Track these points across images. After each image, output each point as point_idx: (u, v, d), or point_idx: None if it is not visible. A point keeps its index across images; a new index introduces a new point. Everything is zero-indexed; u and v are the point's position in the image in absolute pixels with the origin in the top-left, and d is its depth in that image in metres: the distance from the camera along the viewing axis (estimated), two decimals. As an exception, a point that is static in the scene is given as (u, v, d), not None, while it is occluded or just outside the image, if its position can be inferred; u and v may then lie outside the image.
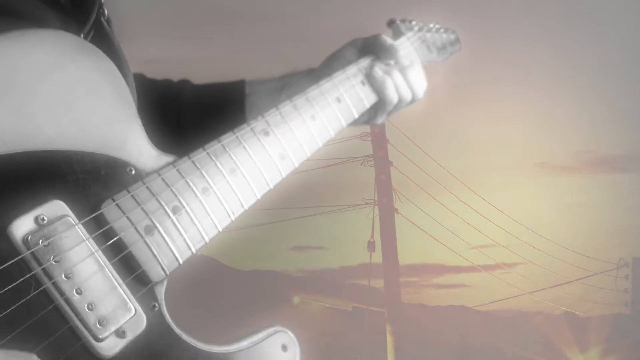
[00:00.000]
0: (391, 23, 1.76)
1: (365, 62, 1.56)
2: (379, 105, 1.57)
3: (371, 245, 15.90)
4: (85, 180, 1.01)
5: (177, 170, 1.12)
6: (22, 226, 0.93)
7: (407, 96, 1.59)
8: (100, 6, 1.24)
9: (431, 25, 1.82)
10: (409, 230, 15.92)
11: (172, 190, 1.10)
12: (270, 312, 14.25)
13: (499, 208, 16.32)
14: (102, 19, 1.23)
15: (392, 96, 1.56)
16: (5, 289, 0.89)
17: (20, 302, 0.90)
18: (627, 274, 17.45)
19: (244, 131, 1.24)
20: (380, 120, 1.60)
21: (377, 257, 15.96)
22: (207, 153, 1.17)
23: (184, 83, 1.56)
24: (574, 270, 17.01)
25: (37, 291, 0.93)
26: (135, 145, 1.09)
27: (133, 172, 1.08)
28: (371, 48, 1.59)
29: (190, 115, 1.46)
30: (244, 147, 1.22)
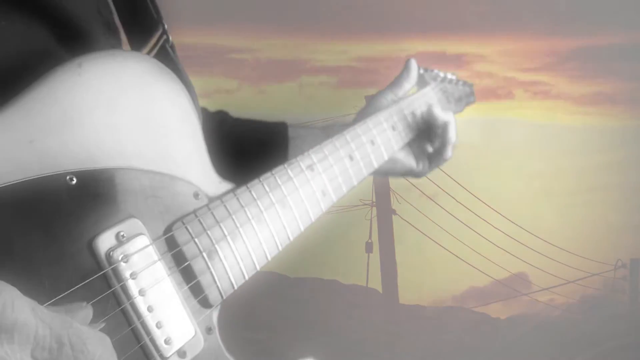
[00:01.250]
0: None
1: (398, 106, 1.67)
2: (435, 151, 1.72)
3: (369, 247, 15.91)
4: (157, 200, 1.05)
5: (237, 199, 1.17)
6: (105, 241, 0.96)
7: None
8: (165, 32, 1.25)
9: (450, 77, 1.92)
10: (406, 231, 15.94)
11: (232, 218, 1.15)
12: (270, 313, 14.25)
13: (496, 209, 16.34)
14: (167, 45, 1.25)
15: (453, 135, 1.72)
16: (90, 302, 0.91)
17: (103, 321, 0.93)
18: (624, 275, 17.47)
19: (293, 165, 1.30)
20: (430, 167, 1.75)
21: (375, 258, 15.98)
22: (263, 185, 1.22)
23: (223, 114, 1.60)
24: (571, 271, 17.03)
25: (117, 310, 0.96)
26: (202, 170, 1.14)
27: (199, 196, 1.12)
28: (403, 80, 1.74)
29: (231, 150, 1.47)
30: (293, 181, 1.28)
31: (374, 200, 15.76)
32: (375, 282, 16.43)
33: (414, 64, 1.74)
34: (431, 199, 15.71)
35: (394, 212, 15.74)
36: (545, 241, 16.74)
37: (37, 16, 1.05)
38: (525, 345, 14.10)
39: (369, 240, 15.92)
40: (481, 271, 16.44)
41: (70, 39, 1.09)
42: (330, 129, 1.57)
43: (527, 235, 16.50)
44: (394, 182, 15.43)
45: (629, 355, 13.22)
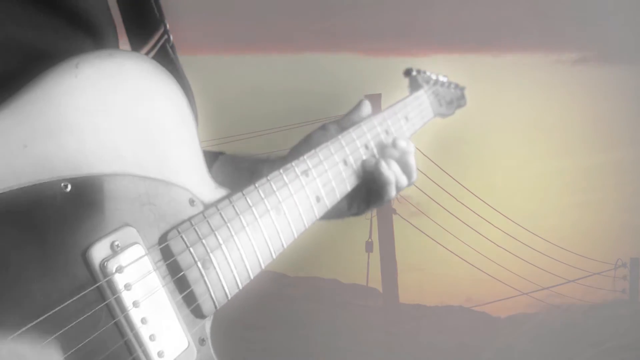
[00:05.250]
0: (408, 73, 1.82)
1: (392, 109, 1.63)
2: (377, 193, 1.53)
3: (369, 246, 15.89)
4: (152, 208, 1.02)
5: (233, 206, 1.15)
6: (100, 251, 0.93)
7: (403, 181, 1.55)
8: (166, 32, 1.23)
9: (442, 79, 1.89)
10: (406, 230, 15.92)
11: (228, 226, 1.12)
12: (269, 312, 14.24)
13: (496, 209, 16.33)
14: (167, 45, 1.22)
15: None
16: (83, 317, 0.90)
17: (96, 334, 0.91)
18: (625, 275, 17.46)
19: (289, 171, 1.28)
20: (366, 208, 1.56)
21: (375, 258, 15.96)
22: (258, 191, 1.20)
23: (221, 154, 1.51)
24: (572, 270, 17.02)
25: (111, 323, 0.94)
26: (197, 175, 1.11)
27: (194, 202, 1.09)
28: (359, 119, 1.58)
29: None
30: (288, 187, 1.26)
31: (374, 199, 15.71)
32: (375, 282, 16.42)
33: (367, 106, 1.61)
34: (431, 199, 15.69)
35: (394, 211, 15.71)
36: (546, 240, 16.73)
37: (50, 12, 1.02)
38: (525, 345, 14.09)
39: (369, 240, 15.89)
40: (481, 270, 16.42)
41: (81, 37, 1.06)
42: (261, 165, 1.45)
43: (527, 235, 16.49)
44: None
45: (629, 355, 13.19)
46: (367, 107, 1.60)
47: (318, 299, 15.82)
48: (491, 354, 13.95)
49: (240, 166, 1.45)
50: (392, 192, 1.51)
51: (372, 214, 15.77)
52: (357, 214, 1.56)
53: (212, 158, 1.47)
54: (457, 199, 15.66)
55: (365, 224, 15.72)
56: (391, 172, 1.50)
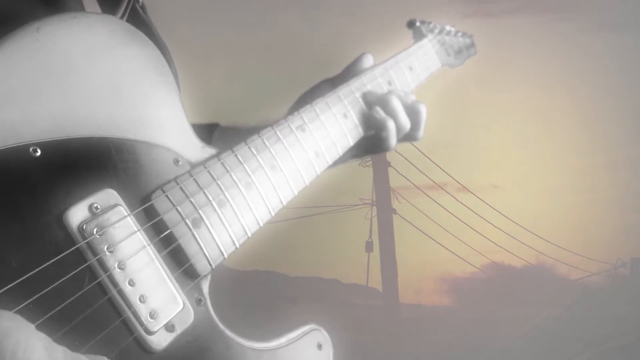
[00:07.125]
0: (411, 24, 1.74)
1: (394, 59, 1.54)
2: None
3: (369, 246, 15.89)
4: (134, 169, 1.00)
5: (222, 163, 1.12)
6: (77, 214, 0.91)
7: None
8: None
9: (448, 28, 1.80)
10: (406, 230, 15.92)
11: (217, 184, 1.10)
12: (270, 312, 14.24)
13: (496, 209, 16.33)
14: (137, 6, 1.21)
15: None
16: (63, 279, 0.87)
17: (77, 295, 0.88)
18: (625, 275, 17.47)
19: (282, 126, 1.24)
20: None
21: (375, 258, 15.97)
22: (249, 147, 1.17)
23: (215, 126, 1.50)
24: (572, 270, 17.04)
25: (93, 283, 0.91)
26: (181, 135, 1.09)
27: (179, 162, 1.07)
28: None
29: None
30: (282, 143, 1.22)
31: (374, 199, 15.74)
32: (376, 282, 16.42)
33: (369, 59, 1.52)
34: (432, 199, 15.70)
35: (394, 211, 15.72)
36: (546, 240, 16.74)
37: None
38: (525, 345, 14.09)
39: (369, 240, 15.90)
40: (482, 271, 16.43)
41: (41, 3, 1.05)
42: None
43: (528, 235, 16.49)
44: (394, 182, 15.43)
45: (629, 355, 13.19)
46: (368, 61, 1.50)
47: (318, 299, 15.82)
48: (491, 354, 13.94)
49: (240, 133, 1.39)
50: (393, 141, 1.44)
51: (372, 214, 15.78)
52: (356, 156, 1.48)
53: (210, 129, 1.45)
54: (457, 199, 15.67)
55: (366, 224, 15.74)
56: (392, 126, 1.42)
